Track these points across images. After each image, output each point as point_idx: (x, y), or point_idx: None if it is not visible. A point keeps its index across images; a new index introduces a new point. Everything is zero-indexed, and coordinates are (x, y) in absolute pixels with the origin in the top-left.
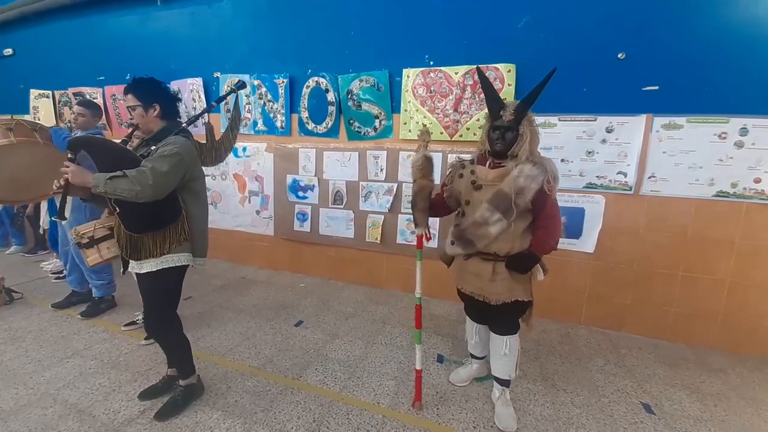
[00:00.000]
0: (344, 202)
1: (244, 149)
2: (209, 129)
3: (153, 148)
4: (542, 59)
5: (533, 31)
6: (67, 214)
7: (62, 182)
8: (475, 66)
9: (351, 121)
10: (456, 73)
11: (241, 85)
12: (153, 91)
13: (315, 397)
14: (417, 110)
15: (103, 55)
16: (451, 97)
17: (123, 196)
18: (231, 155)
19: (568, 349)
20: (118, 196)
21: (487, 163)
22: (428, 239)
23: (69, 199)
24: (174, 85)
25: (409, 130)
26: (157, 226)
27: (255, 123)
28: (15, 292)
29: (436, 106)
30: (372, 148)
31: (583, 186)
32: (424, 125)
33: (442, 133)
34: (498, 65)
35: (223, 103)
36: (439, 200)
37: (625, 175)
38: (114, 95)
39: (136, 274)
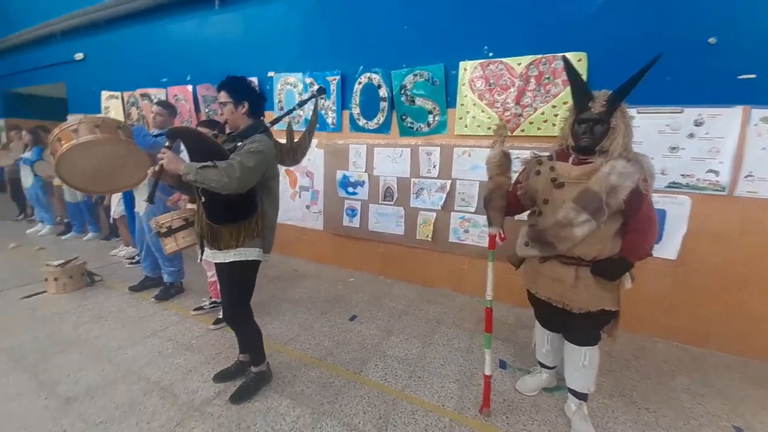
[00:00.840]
0: (394, 199)
1: None
2: (290, 130)
3: (239, 144)
4: (618, 46)
5: (607, 15)
6: (140, 203)
7: (157, 168)
8: (540, 56)
9: (403, 117)
10: (519, 64)
11: (321, 90)
12: (243, 90)
13: (378, 393)
14: (474, 104)
15: (165, 58)
16: (512, 90)
17: (210, 186)
18: None
19: (645, 364)
20: (205, 185)
21: (570, 159)
22: (503, 240)
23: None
24: None
25: (465, 126)
26: (235, 218)
27: (306, 120)
28: (95, 275)
29: (496, 100)
30: (424, 144)
31: (665, 185)
32: (501, 119)
33: (490, 128)
34: (567, 54)
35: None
36: (511, 198)
37: (717, 173)
38: (176, 95)
39: (215, 264)
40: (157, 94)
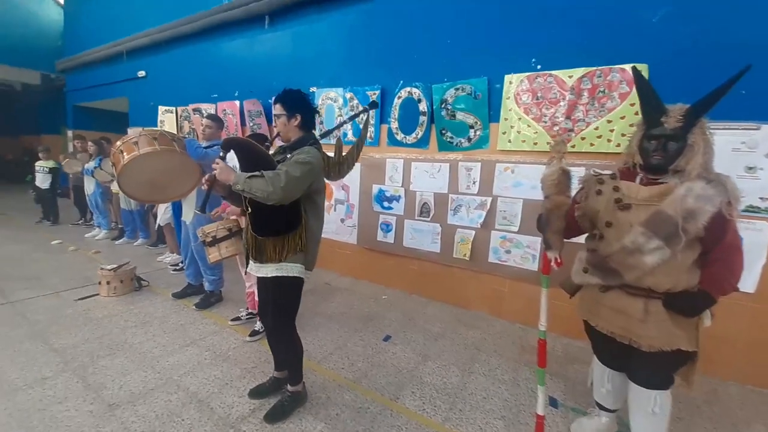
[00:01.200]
0: (431, 215)
1: None
2: (338, 144)
3: (288, 156)
4: (682, 57)
5: (671, 24)
6: (187, 212)
7: (209, 178)
8: (594, 68)
9: (443, 131)
10: (570, 77)
11: (374, 104)
12: (297, 102)
13: (417, 425)
14: (519, 119)
15: (216, 75)
16: (562, 104)
17: (255, 195)
18: None
19: (718, 410)
20: (252, 195)
21: (637, 178)
22: (559, 265)
23: (192, 201)
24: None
25: (509, 141)
26: (279, 231)
27: (345, 134)
28: (143, 281)
29: (544, 114)
30: (464, 160)
31: (741, 210)
32: (559, 134)
33: (549, 143)
34: (625, 66)
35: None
36: (568, 219)
37: None
38: (225, 110)
39: (258, 277)
40: (208, 108)
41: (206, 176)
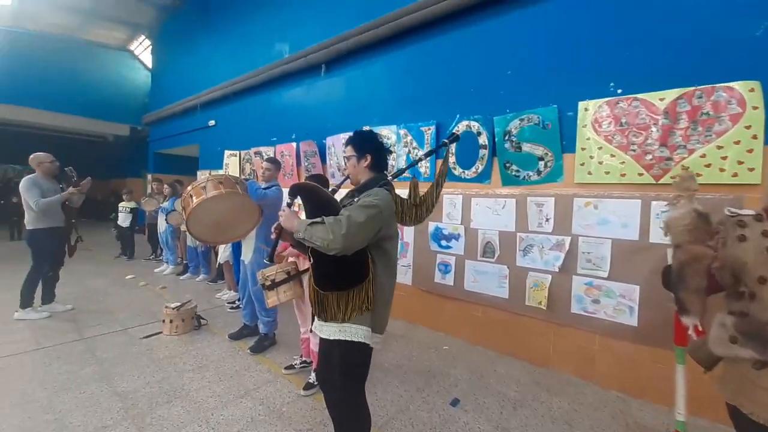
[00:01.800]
0: (496, 255)
1: None
2: (414, 184)
3: (356, 199)
4: None
5: None
6: (246, 252)
7: (276, 226)
8: (692, 88)
9: (507, 165)
10: (661, 100)
11: (454, 138)
12: (367, 142)
13: None
14: (600, 148)
15: (275, 120)
16: (654, 129)
17: (316, 244)
18: None
19: None
20: (312, 244)
21: None
22: (700, 334)
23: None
24: (329, 141)
25: (589, 173)
26: (342, 285)
27: (417, 171)
28: (202, 319)
29: (632, 142)
30: (534, 194)
31: None
32: (684, 166)
33: (641, 174)
34: (732, 84)
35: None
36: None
37: None
38: (282, 152)
39: (321, 339)
40: (267, 151)
41: (274, 225)
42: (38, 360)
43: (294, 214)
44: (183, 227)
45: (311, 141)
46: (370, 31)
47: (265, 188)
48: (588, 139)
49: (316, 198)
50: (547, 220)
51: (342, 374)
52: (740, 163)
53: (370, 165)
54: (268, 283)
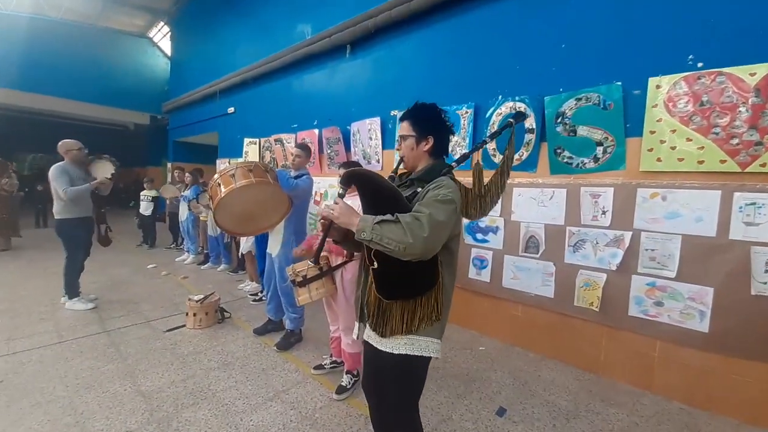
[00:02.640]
0: (540, 251)
1: None
2: (478, 170)
3: (419, 190)
4: None
5: None
6: (273, 243)
7: (322, 220)
8: None
9: (558, 151)
10: (752, 75)
11: (520, 115)
12: (431, 122)
13: None
14: (674, 131)
15: (297, 106)
16: (741, 110)
17: (387, 248)
18: None
19: None
20: (382, 247)
21: None
22: None
23: (279, 234)
24: (354, 126)
25: (658, 160)
26: (411, 293)
27: (451, 157)
28: (226, 312)
29: (714, 124)
30: (588, 184)
31: None
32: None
33: (724, 161)
34: None
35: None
36: None
37: None
38: (304, 139)
39: (373, 348)
40: (288, 138)
41: (320, 219)
42: (60, 354)
43: (351, 209)
44: (203, 216)
45: (335, 127)
46: (402, 5)
47: (295, 177)
48: (659, 120)
49: (377, 188)
50: (604, 212)
51: (400, 390)
52: None
53: (432, 149)
54: (299, 279)
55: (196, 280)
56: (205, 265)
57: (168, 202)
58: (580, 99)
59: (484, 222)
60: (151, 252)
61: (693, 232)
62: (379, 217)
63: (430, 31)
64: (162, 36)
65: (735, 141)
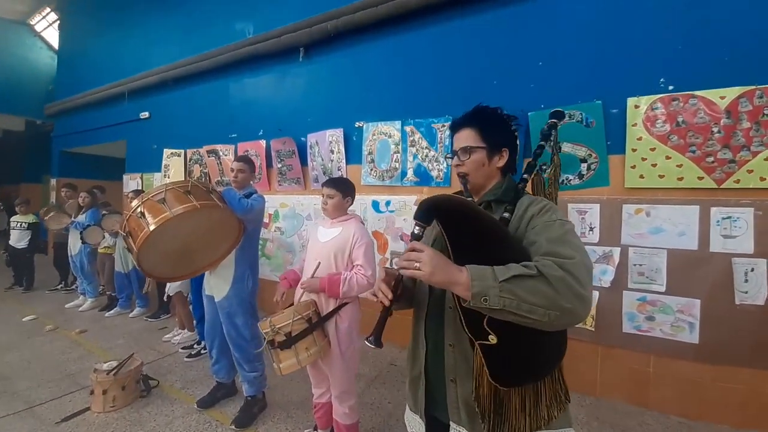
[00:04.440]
0: None
1: (387, 203)
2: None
3: (505, 215)
4: None
5: None
6: (216, 282)
7: (394, 278)
8: (753, 87)
9: (543, 167)
10: (722, 98)
11: (559, 113)
12: (505, 130)
13: None
14: (653, 149)
15: (236, 112)
16: (714, 129)
17: (528, 318)
18: (371, 209)
19: None
20: (518, 317)
21: None
22: None
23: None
24: (311, 138)
25: (641, 176)
26: (542, 372)
27: (404, 173)
28: (151, 380)
29: (690, 143)
30: (575, 201)
31: None
32: (749, 170)
33: (701, 178)
34: None
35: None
36: None
37: None
38: (247, 150)
39: None
40: (226, 150)
41: (382, 276)
42: None
43: (447, 261)
44: (105, 247)
45: (288, 138)
46: (368, 9)
47: (245, 196)
48: (639, 139)
49: (477, 222)
50: (592, 229)
51: None
52: None
53: (506, 165)
54: (280, 338)
55: (100, 333)
56: (112, 311)
57: (50, 228)
58: (564, 116)
59: None
60: (29, 297)
61: (677, 246)
62: (504, 272)
63: (402, 39)
64: (47, 24)
65: (710, 159)
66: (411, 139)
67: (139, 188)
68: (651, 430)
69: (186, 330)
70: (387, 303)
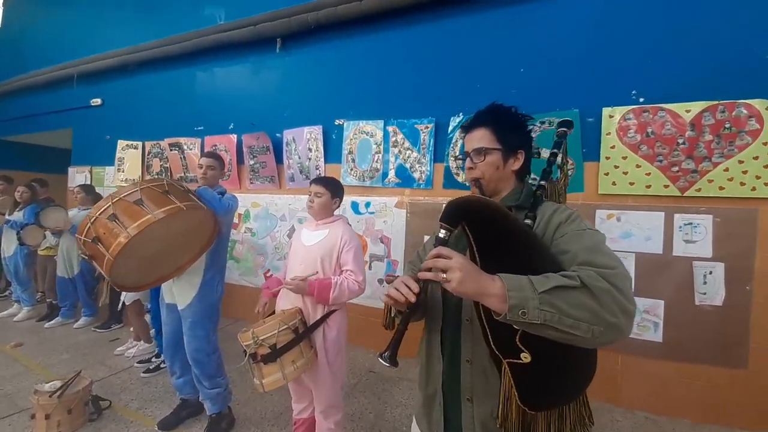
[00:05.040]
0: None
1: (368, 204)
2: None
3: (528, 222)
4: None
5: None
6: (186, 290)
7: (415, 281)
8: (716, 102)
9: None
10: (687, 111)
11: (569, 123)
12: (522, 133)
13: None
14: (625, 158)
15: (204, 104)
16: (680, 140)
17: (569, 334)
18: (351, 211)
19: None
20: (558, 332)
21: None
22: None
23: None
24: (288, 134)
25: (613, 183)
26: (573, 394)
27: (385, 174)
28: (102, 400)
29: (658, 153)
30: None
31: None
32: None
33: (667, 186)
34: (750, 101)
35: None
36: None
37: None
38: (215, 145)
39: None
40: (191, 143)
41: (398, 283)
42: None
43: (477, 270)
44: (46, 249)
45: (262, 134)
46: (351, 3)
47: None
48: (612, 147)
49: (508, 228)
50: None
51: None
52: (758, 177)
53: (521, 168)
54: (264, 351)
55: (39, 347)
56: (52, 321)
57: None
58: (543, 122)
59: None
60: None
61: (644, 250)
62: (548, 282)
63: (386, 37)
64: None
65: (675, 168)
66: (393, 139)
67: (88, 183)
68: (620, 427)
69: (142, 342)
70: (413, 299)
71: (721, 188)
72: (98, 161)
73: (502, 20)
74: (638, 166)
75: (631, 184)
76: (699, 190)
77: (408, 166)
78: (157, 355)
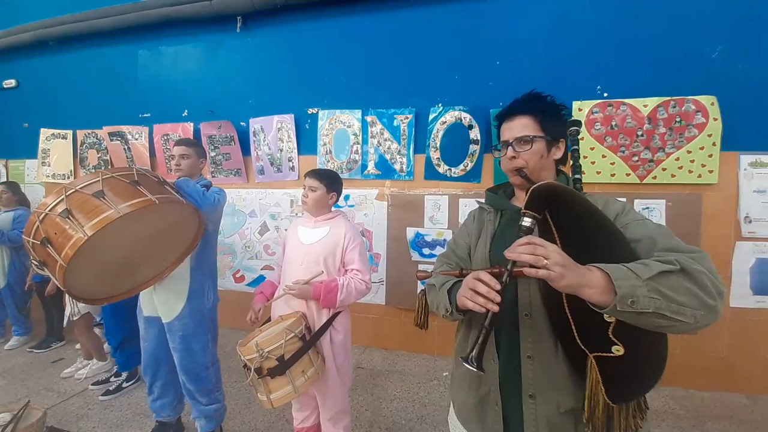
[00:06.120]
0: None
1: (347, 197)
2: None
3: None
4: (746, 91)
5: (731, 61)
6: (171, 300)
7: (507, 272)
8: (668, 98)
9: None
10: (645, 106)
11: (576, 123)
12: (563, 122)
13: None
14: (593, 148)
15: (150, 87)
16: (639, 133)
17: (676, 320)
18: None
19: None
20: (665, 320)
21: None
22: None
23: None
24: (255, 123)
25: (583, 172)
26: (649, 386)
27: (364, 166)
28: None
29: (621, 144)
30: None
31: None
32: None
33: (628, 174)
34: (698, 97)
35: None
36: None
37: None
38: (167, 135)
39: None
40: (138, 132)
41: (474, 283)
42: None
43: (571, 260)
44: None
45: (226, 122)
46: None
47: (201, 187)
48: (582, 139)
49: (590, 214)
50: None
51: None
52: (703, 165)
53: (561, 158)
54: (271, 363)
55: None
56: None
57: None
58: None
59: (431, 236)
60: None
61: None
62: (649, 268)
63: (363, 21)
64: None
65: (635, 159)
66: (372, 129)
67: (4, 179)
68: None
69: (95, 360)
70: (498, 298)
71: (672, 176)
72: (15, 153)
73: (480, 11)
74: (604, 156)
75: (598, 173)
76: (655, 177)
77: (388, 157)
78: (117, 374)
